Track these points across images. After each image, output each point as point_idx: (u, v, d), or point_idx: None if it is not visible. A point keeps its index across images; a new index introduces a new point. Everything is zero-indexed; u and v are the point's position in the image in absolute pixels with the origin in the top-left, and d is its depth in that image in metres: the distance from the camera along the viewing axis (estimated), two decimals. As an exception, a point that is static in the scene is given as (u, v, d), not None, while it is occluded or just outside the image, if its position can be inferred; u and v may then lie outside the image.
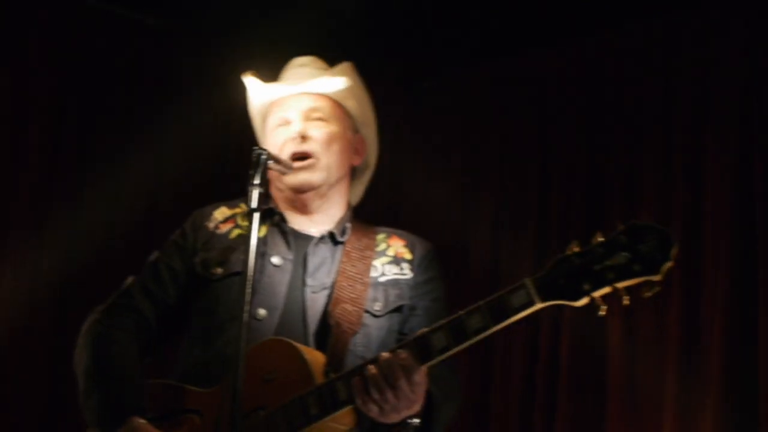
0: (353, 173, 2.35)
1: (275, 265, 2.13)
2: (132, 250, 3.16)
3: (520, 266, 3.73)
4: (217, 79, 3.61)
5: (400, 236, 2.27)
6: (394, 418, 1.83)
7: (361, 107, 2.35)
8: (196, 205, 2.30)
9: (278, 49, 3.36)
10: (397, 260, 2.19)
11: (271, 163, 1.95)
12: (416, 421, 1.86)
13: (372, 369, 1.79)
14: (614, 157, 3.66)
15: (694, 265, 3.36)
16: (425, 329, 1.84)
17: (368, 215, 2.36)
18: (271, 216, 2.21)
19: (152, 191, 3.73)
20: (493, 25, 3.75)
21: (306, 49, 2.42)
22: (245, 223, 2.21)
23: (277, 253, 2.15)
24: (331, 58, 2.39)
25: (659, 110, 3.58)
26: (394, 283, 2.15)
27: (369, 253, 2.19)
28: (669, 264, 1.70)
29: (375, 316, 2.10)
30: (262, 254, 2.13)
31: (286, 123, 2.22)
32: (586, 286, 1.72)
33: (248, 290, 1.78)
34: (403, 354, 1.79)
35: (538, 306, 1.75)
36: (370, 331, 2.08)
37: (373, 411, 1.81)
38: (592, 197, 3.67)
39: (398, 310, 2.14)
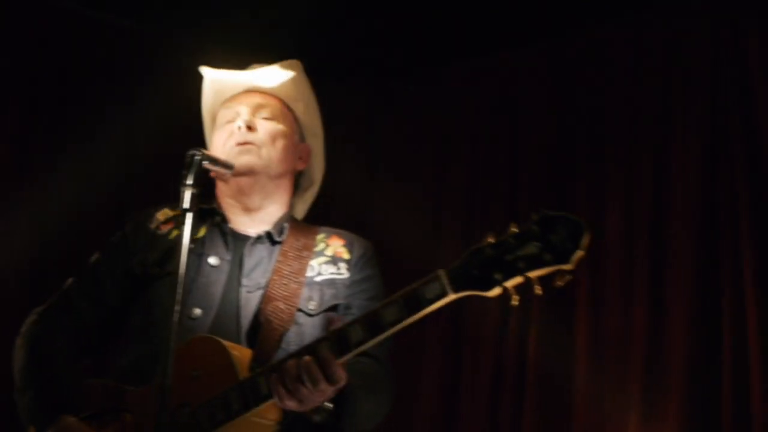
0: (298, 186, 2.40)
1: (212, 266, 2.16)
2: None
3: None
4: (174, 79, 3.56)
5: (340, 236, 2.30)
6: (309, 407, 1.85)
7: (309, 114, 2.40)
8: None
9: (240, 50, 3.43)
10: (334, 260, 2.22)
11: (206, 163, 1.97)
12: (329, 405, 1.88)
13: (290, 364, 1.81)
14: (581, 159, 3.68)
15: (659, 269, 3.38)
16: (342, 323, 1.86)
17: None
18: (212, 216, 2.25)
19: (119, 183, 3.74)
20: (463, 25, 3.78)
21: (266, 50, 2.46)
22: None
23: (215, 254, 2.18)
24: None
25: (627, 111, 3.60)
26: (330, 282, 2.18)
27: (306, 253, 2.22)
28: (579, 253, 1.71)
29: (309, 315, 2.13)
30: (200, 255, 2.17)
31: (235, 117, 2.27)
32: (498, 276, 1.73)
33: (179, 290, 1.80)
34: (321, 349, 1.81)
35: (451, 297, 1.77)
36: (304, 330, 2.10)
37: (291, 405, 1.83)
38: (560, 199, 3.68)
39: (333, 309, 2.16)
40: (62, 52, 3.76)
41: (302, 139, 2.39)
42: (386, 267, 2.31)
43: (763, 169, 3.24)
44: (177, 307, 1.80)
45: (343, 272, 2.20)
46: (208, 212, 2.26)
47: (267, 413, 1.89)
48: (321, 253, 2.23)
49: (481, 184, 3.97)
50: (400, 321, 1.79)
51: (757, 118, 3.27)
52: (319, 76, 3.91)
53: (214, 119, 2.38)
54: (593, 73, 3.72)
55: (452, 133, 4.13)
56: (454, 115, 4.14)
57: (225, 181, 2.24)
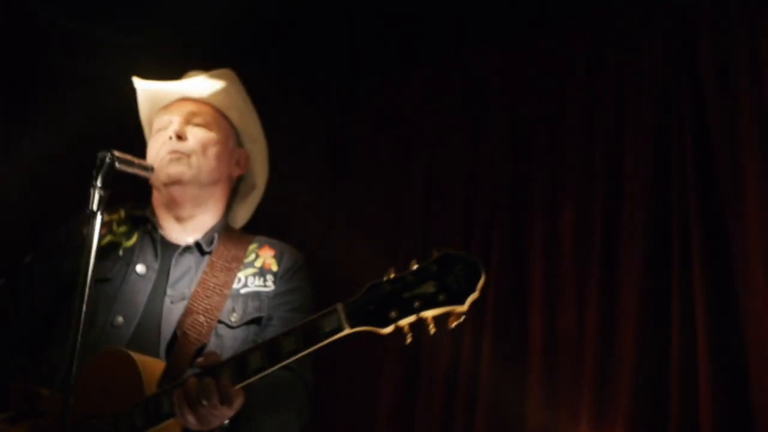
0: (238, 192, 2.43)
1: (139, 274, 2.20)
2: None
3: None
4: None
5: (272, 246, 2.33)
6: (209, 428, 1.90)
7: (245, 121, 2.41)
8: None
9: (198, 51, 3.41)
10: (262, 272, 2.25)
11: (120, 165, 1.97)
12: (225, 422, 1.92)
13: (191, 384, 1.86)
14: (538, 158, 3.69)
15: (612, 268, 3.40)
16: (245, 349, 1.90)
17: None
18: (145, 224, 2.28)
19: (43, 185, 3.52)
20: (422, 27, 3.76)
21: (227, 51, 2.45)
22: (120, 230, 2.29)
23: (143, 262, 2.22)
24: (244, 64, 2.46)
25: (582, 110, 3.60)
26: (255, 294, 2.21)
27: (235, 264, 2.25)
28: (474, 295, 1.73)
29: (230, 327, 2.16)
30: (129, 263, 2.21)
31: (167, 126, 2.29)
32: (393, 314, 1.76)
33: (85, 297, 1.80)
34: (222, 373, 1.85)
35: (347, 331, 1.79)
36: (225, 342, 2.14)
37: (192, 422, 1.87)
38: (516, 199, 3.71)
39: (256, 321, 2.19)
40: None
41: (240, 144, 2.41)
42: (346, 258, 2.28)
43: (713, 170, 3.25)
44: (82, 317, 1.80)
45: (269, 284, 2.23)
46: (142, 220, 2.30)
47: (169, 430, 1.93)
48: (250, 265, 2.26)
49: (440, 187, 3.98)
50: (297, 351, 1.82)
51: (708, 118, 3.28)
52: (280, 76, 3.93)
53: (151, 125, 2.40)
54: (549, 72, 3.72)
55: (412, 133, 4.14)
56: (413, 116, 4.15)
57: (157, 189, 2.28)
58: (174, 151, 2.23)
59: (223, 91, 2.35)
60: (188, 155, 2.24)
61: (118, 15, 3.57)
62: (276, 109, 3.98)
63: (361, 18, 3.73)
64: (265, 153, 2.47)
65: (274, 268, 2.26)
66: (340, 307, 1.80)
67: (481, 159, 3.87)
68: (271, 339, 1.87)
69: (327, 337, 1.80)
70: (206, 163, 2.26)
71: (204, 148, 2.27)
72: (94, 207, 1.89)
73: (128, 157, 2.04)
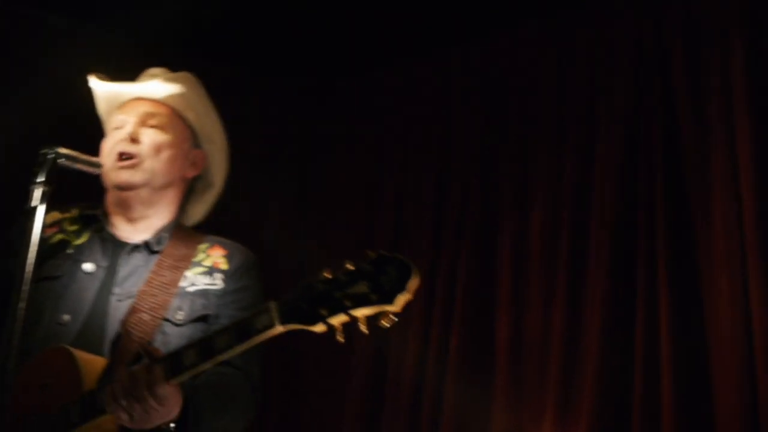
0: (194, 190, 2.44)
1: (86, 272, 2.21)
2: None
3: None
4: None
5: (223, 246, 2.34)
6: (147, 426, 1.91)
7: (202, 121, 2.42)
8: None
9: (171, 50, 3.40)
10: (211, 271, 2.27)
11: (65, 161, 1.97)
12: (172, 425, 1.93)
13: (122, 378, 1.87)
14: (508, 160, 3.73)
15: (578, 269, 3.44)
16: (181, 346, 1.91)
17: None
18: (96, 223, 2.30)
19: None
20: (394, 28, 3.80)
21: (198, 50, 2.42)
22: (71, 228, 2.31)
23: (92, 261, 2.23)
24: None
25: (552, 112, 3.64)
26: (203, 293, 2.22)
27: (184, 263, 2.26)
28: (405, 295, 1.74)
29: (176, 325, 2.18)
30: (77, 261, 2.23)
31: (122, 126, 2.30)
32: (324, 312, 1.77)
33: (23, 294, 1.82)
34: (154, 369, 1.86)
35: (279, 329, 1.81)
36: (170, 340, 2.15)
37: (123, 419, 1.88)
38: (486, 199, 3.74)
39: (202, 319, 2.21)
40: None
41: (197, 145, 2.42)
42: (316, 263, 2.30)
43: (681, 173, 3.29)
44: (20, 311, 1.80)
45: (217, 283, 2.24)
46: (93, 219, 2.31)
47: (106, 424, 1.94)
48: (199, 264, 2.28)
49: (410, 189, 4.01)
50: (230, 348, 1.84)
51: (678, 120, 3.31)
52: (252, 76, 3.92)
53: (106, 119, 2.41)
54: (521, 73, 3.76)
55: (384, 134, 4.16)
56: (384, 118, 4.18)
57: (108, 188, 2.29)
58: (125, 155, 2.24)
59: (180, 91, 2.36)
60: (140, 160, 2.25)
61: (76, 7, 3.56)
62: (248, 111, 4.03)
63: (333, 21, 3.77)
64: (224, 152, 2.47)
65: (224, 267, 2.28)
66: (273, 305, 1.81)
67: (452, 161, 3.90)
68: (206, 336, 1.89)
69: (259, 333, 1.81)
70: (159, 167, 2.27)
71: (157, 151, 2.28)
72: (35, 203, 1.89)
73: (73, 153, 2.03)
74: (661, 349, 3.20)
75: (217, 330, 1.88)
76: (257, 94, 4.07)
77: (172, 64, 2.48)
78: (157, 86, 2.34)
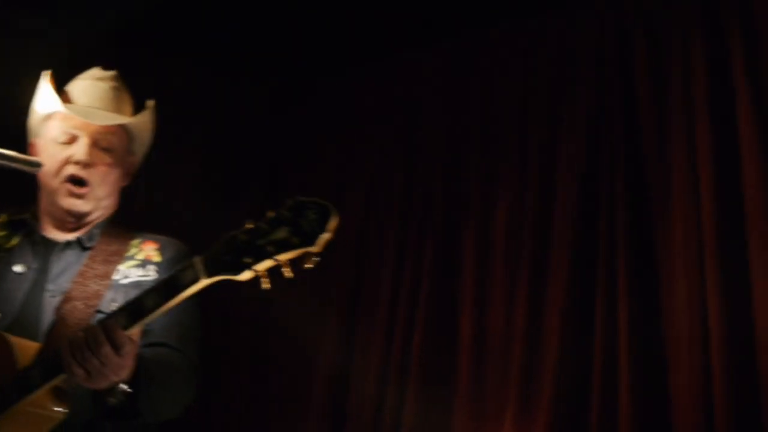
0: None
1: (16, 273, 2.23)
2: None
3: (380, 277, 3.88)
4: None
5: (155, 240, 2.36)
6: (101, 383, 1.90)
7: (144, 135, 2.45)
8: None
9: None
10: (144, 263, 2.28)
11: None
12: (124, 386, 1.93)
13: (78, 334, 1.87)
14: (472, 164, 3.79)
15: (541, 271, 3.48)
16: (111, 312, 1.92)
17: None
18: (25, 227, 2.32)
19: None
20: (360, 29, 3.87)
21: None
22: (0, 234, 2.32)
23: (22, 262, 2.25)
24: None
25: (516, 114, 3.73)
26: (136, 284, 2.22)
27: (116, 258, 2.27)
28: (326, 235, 1.77)
29: None
30: (7, 263, 2.24)
31: (72, 140, 2.29)
32: (248, 260, 1.79)
33: None
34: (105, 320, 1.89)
35: (205, 281, 1.83)
36: None
37: (81, 374, 1.87)
38: (451, 197, 3.80)
39: None
40: None
41: (132, 152, 2.44)
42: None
43: (642, 175, 3.35)
44: None
45: (150, 274, 2.25)
46: (22, 224, 2.34)
47: (44, 402, 1.94)
48: (132, 258, 2.29)
49: (376, 188, 4.09)
50: (159, 306, 1.86)
51: (639, 119, 3.39)
52: (220, 77, 3.94)
53: (47, 116, 2.35)
54: (486, 74, 3.85)
55: (354, 137, 4.25)
56: (353, 118, 4.28)
57: (45, 194, 2.31)
58: (77, 179, 2.26)
59: (133, 120, 2.39)
60: (91, 188, 2.28)
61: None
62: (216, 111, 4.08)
63: (297, 24, 3.85)
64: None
65: (157, 259, 2.29)
66: (197, 259, 1.83)
67: (416, 163, 3.99)
68: (134, 298, 1.90)
69: (185, 288, 1.83)
70: (105, 192, 2.32)
71: (105, 176, 2.31)
72: None
73: (9, 153, 2.04)
74: (619, 348, 3.22)
75: (147, 290, 1.89)
76: (225, 96, 4.13)
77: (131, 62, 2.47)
78: (110, 116, 2.34)
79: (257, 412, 4.15)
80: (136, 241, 2.34)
